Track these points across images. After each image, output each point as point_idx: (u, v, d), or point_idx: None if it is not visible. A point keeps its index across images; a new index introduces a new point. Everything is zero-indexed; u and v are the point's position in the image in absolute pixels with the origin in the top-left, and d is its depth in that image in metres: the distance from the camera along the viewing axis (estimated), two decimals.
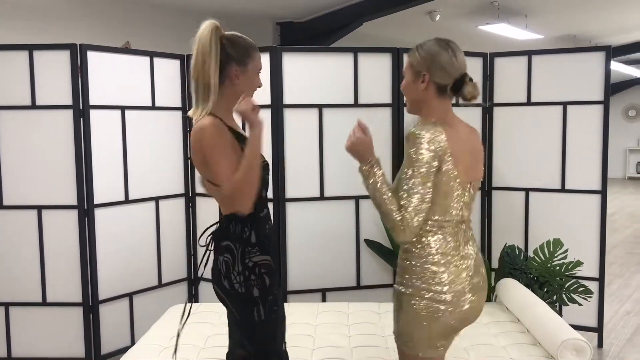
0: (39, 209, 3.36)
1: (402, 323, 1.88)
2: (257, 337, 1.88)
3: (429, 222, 1.83)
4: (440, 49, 1.87)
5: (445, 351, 1.90)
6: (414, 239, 1.84)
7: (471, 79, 1.88)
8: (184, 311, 2.05)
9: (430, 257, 1.83)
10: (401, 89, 1.98)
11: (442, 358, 1.92)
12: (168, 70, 3.73)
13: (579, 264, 3.46)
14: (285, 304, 3.37)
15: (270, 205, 3.60)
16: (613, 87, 13.19)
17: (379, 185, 1.82)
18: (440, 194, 1.81)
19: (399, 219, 1.76)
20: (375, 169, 1.84)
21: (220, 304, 1.96)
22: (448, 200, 1.83)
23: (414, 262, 1.85)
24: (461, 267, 1.84)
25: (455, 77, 1.87)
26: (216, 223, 2.02)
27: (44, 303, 3.40)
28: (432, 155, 1.76)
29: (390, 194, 1.80)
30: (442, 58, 1.86)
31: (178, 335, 2.12)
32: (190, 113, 1.90)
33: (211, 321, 3.11)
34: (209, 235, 1.96)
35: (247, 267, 1.85)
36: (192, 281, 3.93)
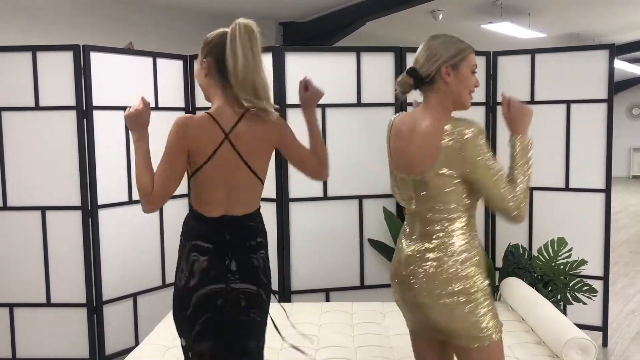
0: (43, 210, 3.37)
1: None
2: (262, 331, 1.94)
3: None
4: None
5: (413, 325, 2.00)
6: None
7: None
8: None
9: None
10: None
11: (411, 333, 2.03)
12: (171, 71, 3.73)
13: (583, 262, 3.45)
14: (289, 304, 3.37)
15: (274, 205, 3.60)
16: (617, 86, 13.13)
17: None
18: None
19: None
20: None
21: None
22: None
23: None
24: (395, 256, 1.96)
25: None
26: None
27: (48, 304, 3.41)
28: None
29: None
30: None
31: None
32: None
33: None
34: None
35: (266, 264, 1.94)
36: None
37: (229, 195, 1.87)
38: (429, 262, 1.82)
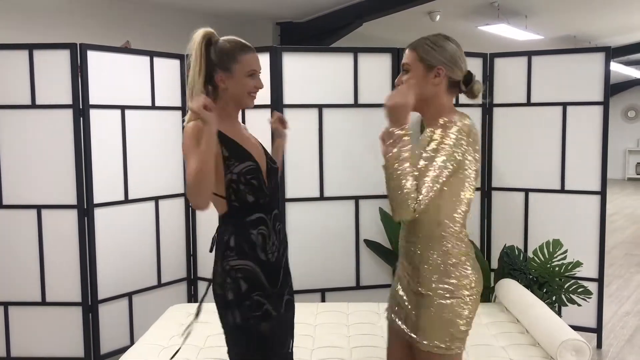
0: (39, 208, 3.36)
1: None
2: (234, 341, 1.90)
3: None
4: (451, 43, 1.84)
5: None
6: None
7: (475, 76, 1.88)
8: (197, 312, 2.05)
9: None
10: (401, 84, 1.85)
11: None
12: (168, 70, 3.73)
13: (578, 264, 3.46)
14: None
15: None
16: (612, 88, 13.20)
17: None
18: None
19: None
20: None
21: None
22: None
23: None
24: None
25: (464, 72, 1.86)
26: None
27: (43, 302, 3.40)
28: None
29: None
30: (455, 52, 1.83)
31: (186, 336, 2.13)
32: (185, 118, 1.91)
33: (211, 321, 3.11)
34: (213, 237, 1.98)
35: (224, 270, 1.87)
36: (192, 281, 3.92)
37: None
38: None
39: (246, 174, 1.87)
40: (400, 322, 1.90)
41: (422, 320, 1.81)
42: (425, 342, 1.80)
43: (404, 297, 1.89)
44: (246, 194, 1.89)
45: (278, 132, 2.20)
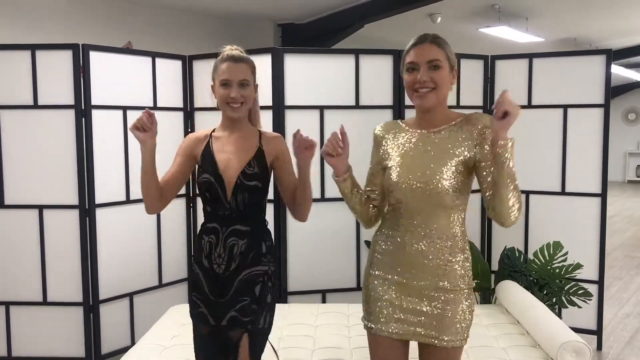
0: (40, 208, 3.36)
1: None
2: None
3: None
4: None
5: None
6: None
7: None
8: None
9: None
10: (429, 80, 1.81)
11: None
12: (170, 71, 3.73)
13: (578, 266, 3.46)
14: (286, 305, 3.38)
15: (271, 207, 3.61)
16: (613, 91, 13.18)
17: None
18: None
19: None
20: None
21: None
22: None
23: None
24: None
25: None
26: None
27: (45, 302, 3.41)
28: None
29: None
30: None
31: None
32: None
33: None
34: None
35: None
36: None
37: None
38: None
39: (201, 185, 2.03)
40: (416, 329, 1.85)
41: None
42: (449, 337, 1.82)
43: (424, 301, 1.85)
44: (204, 203, 2.06)
45: (295, 152, 2.00)
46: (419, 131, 1.89)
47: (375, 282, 1.91)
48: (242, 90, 2.00)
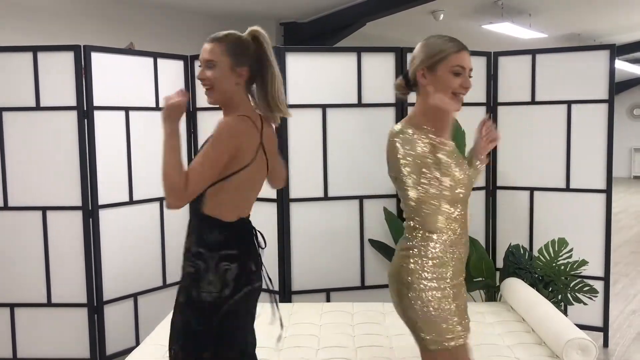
0: (44, 210, 3.37)
1: None
2: None
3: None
4: None
5: None
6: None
7: None
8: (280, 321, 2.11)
9: None
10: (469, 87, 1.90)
11: None
12: (172, 71, 3.73)
13: (584, 263, 3.45)
14: (290, 304, 3.37)
15: (274, 206, 3.60)
16: (617, 86, 13.13)
17: None
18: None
19: None
20: None
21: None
22: None
23: None
24: None
25: None
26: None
27: (49, 304, 3.41)
28: None
29: None
30: None
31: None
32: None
33: None
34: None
35: None
36: None
37: (253, 198, 1.96)
38: None
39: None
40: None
41: None
42: None
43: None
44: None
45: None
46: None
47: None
48: (208, 71, 1.83)
